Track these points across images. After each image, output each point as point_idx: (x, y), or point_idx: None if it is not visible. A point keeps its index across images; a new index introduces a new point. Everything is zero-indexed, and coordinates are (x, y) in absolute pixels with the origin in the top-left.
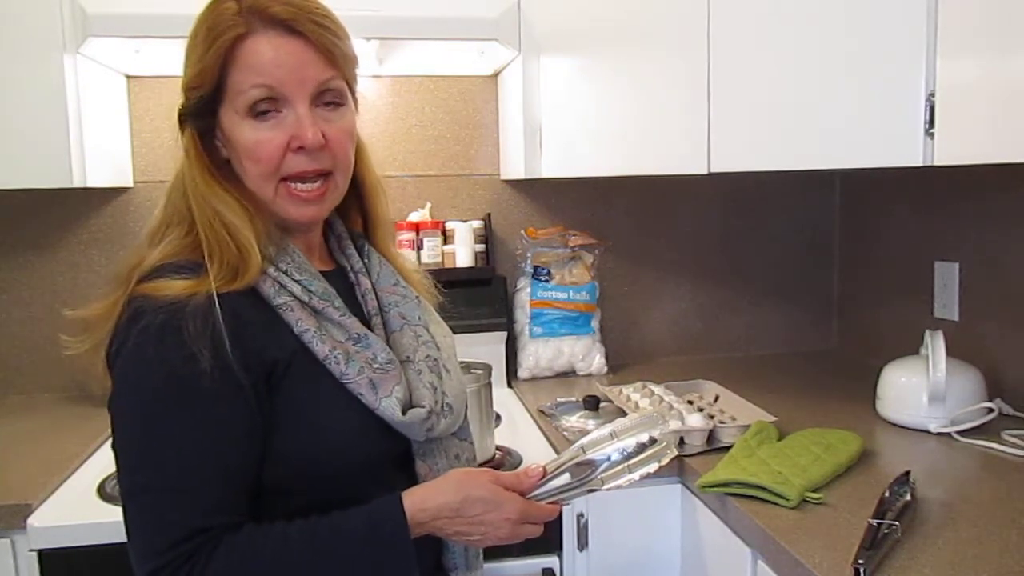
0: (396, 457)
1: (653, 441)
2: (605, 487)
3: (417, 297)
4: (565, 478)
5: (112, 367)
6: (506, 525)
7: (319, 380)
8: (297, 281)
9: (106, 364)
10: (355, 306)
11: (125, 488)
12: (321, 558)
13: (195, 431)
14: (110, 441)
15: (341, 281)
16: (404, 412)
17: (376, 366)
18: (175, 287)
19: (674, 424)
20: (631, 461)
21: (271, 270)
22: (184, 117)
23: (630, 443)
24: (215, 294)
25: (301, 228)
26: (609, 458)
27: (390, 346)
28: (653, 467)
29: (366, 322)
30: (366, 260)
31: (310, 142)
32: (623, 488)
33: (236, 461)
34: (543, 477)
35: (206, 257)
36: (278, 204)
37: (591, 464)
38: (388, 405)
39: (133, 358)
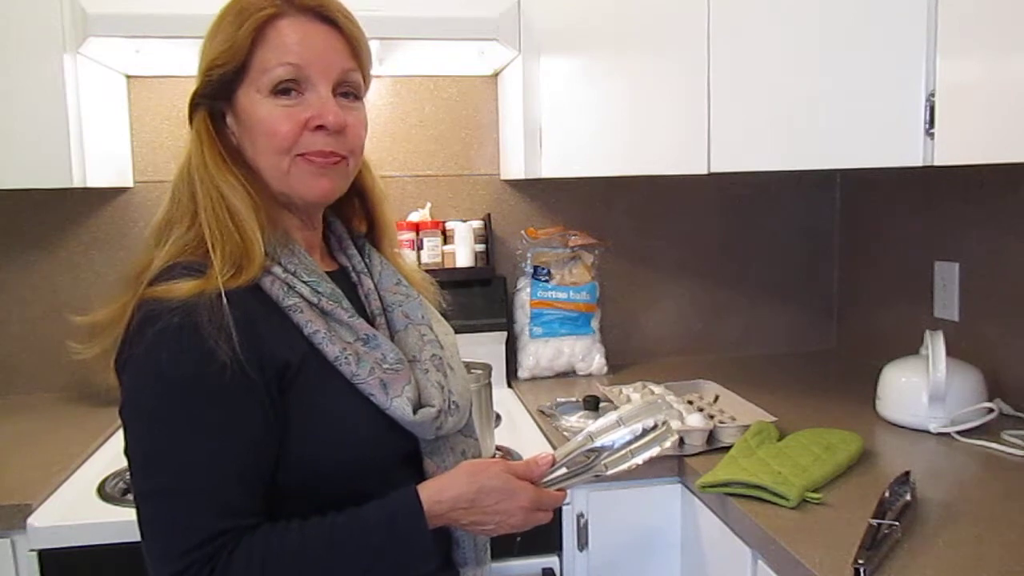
0: (405, 456)
1: (657, 426)
2: (609, 472)
3: (419, 296)
4: (572, 465)
5: (123, 372)
6: (520, 513)
7: (330, 381)
8: (306, 283)
9: (115, 369)
10: (358, 306)
11: (141, 492)
12: (340, 554)
13: (210, 432)
14: (123, 447)
15: (344, 281)
16: (415, 412)
17: (386, 366)
18: (184, 288)
19: (674, 424)
20: (633, 446)
21: (279, 271)
22: (198, 100)
23: (636, 428)
24: (223, 291)
25: (310, 207)
26: (615, 444)
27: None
28: (655, 451)
29: (370, 322)
30: (367, 260)
31: (331, 121)
32: (629, 472)
33: (252, 461)
34: (553, 465)
35: (209, 248)
36: (292, 178)
37: (598, 450)
38: (399, 405)
39: (146, 361)
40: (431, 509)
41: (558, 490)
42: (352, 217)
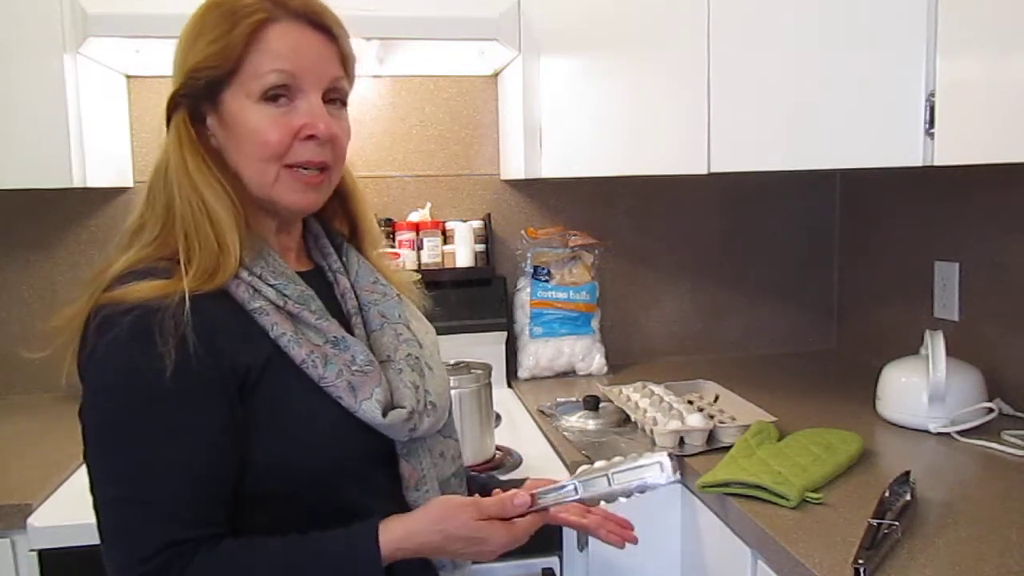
0: (380, 457)
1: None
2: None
3: (398, 295)
4: (550, 499)
5: (83, 379)
6: (490, 555)
7: (297, 384)
8: (271, 285)
9: (79, 376)
10: (334, 306)
11: (98, 500)
12: None
13: (167, 440)
14: (82, 451)
15: (319, 281)
16: (385, 414)
17: (355, 368)
18: (142, 290)
19: (674, 424)
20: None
21: (244, 275)
22: (178, 100)
23: (625, 486)
24: (187, 295)
25: (292, 217)
26: (599, 493)
27: (371, 345)
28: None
29: (346, 322)
30: (344, 259)
31: (322, 131)
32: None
33: (211, 469)
34: (531, 506)
35: (182, 257)
36: (278, 189)
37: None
38: (368, 407)
39: (102, 367)
40: (391, 555)
41: (532, 510)
42: (332, 218)
